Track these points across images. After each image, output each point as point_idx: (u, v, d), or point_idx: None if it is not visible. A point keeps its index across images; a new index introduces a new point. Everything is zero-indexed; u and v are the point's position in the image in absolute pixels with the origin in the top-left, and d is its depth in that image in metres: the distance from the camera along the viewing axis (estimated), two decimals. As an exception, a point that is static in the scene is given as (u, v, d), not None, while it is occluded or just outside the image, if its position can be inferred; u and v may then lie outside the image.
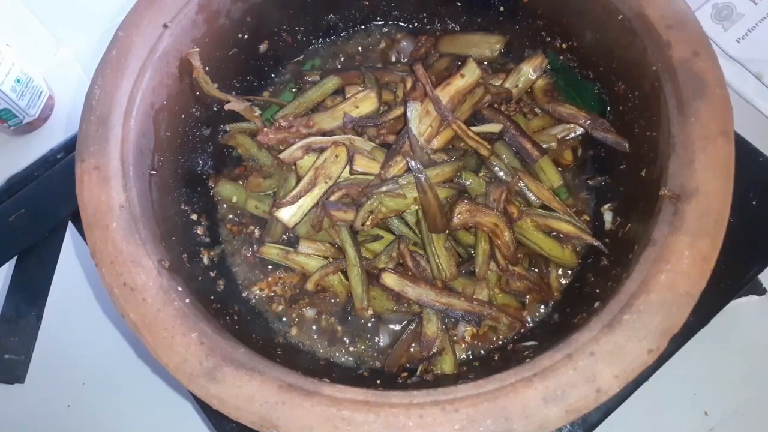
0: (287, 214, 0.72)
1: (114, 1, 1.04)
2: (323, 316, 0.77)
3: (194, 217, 0.76)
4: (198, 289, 0.64)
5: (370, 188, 0.70)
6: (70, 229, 0.94)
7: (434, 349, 0.71)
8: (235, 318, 0.69)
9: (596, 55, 0.76)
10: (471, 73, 0.75)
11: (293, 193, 0.72)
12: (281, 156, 0.73)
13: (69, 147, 0.94)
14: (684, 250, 0.54)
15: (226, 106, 0.76)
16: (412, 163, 0.69)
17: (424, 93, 0.74)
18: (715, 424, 0.83)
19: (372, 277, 0.73)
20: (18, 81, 0.92)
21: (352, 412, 0.50)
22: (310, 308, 0.77)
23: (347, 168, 0.72)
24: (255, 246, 0.79)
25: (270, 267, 0.79)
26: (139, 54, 0.66)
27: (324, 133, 0.75)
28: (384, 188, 0.69)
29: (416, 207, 0.71)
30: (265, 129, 0.75)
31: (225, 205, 0.82)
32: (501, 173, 0.77)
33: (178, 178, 0.73)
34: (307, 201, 0.72)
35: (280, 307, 0.78)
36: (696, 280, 0.53)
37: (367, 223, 0.71)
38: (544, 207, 0.76)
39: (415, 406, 0.51)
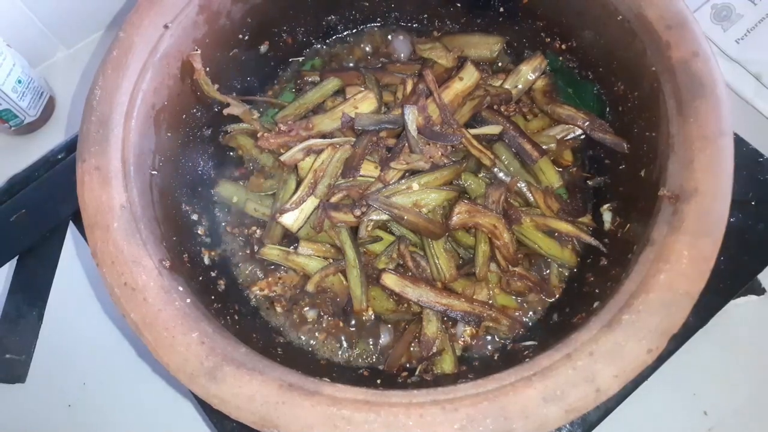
0: (290, 219, 0.72)
1: (114, 1, 1.04)
2: (323, 316, 0.77)
3: (195, 217, 0.76)
4: (199, 289, 0.64)
5: (371, 192, 0.71)
6: (71, 230, 0.95)
7: (434, 349, 0.72)
8: (236, 318, 0.69)
9: (595, 56, 0.76)
10: (469, 76, 0.76)
11: (295, 197, 0.72)
12: (282, 158, 0.74)
13: (70, 147, 0.94)
14: (683, 250, 0.54)
15: (225, 111, 0.76)
16: (371, 200, 0.69)
17: (426, 97, 0.74)
18: (715, 424, 0.83)
19: (372, 277, 0.74)
20: (19, 82, 0.93)
21: (352, 412, 0.51)
22: (310, 308, 0.77)
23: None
24: (255, 246, 0.79)
25: (270, 267, 0.79)
26: (140, 54, 0.66)
27: (324, 135, 0.76)
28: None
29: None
30: (265, 134, 0.75)
31: (225, 206, 0.82)
32: (501, 174, 0.77)
33: (178, 179, 0.73)
34: (309, 204, 0.72)
35: (281, 307, 0.78)
36: (695, 280, 0.54)
37: (369, 228, 0.72)
38: (543, 207, 0.76)
39: (415, 406, 0.51)
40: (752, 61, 0.96)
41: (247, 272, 0.80)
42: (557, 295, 0.76)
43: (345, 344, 0.76)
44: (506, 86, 0.81)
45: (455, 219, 0.69)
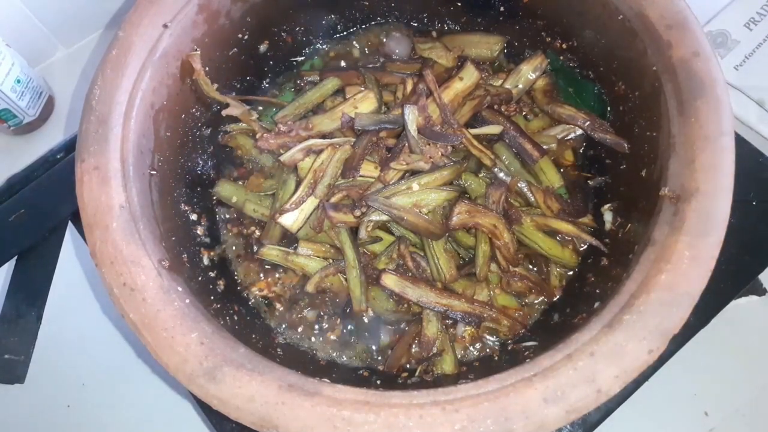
0: (290, 220, 0.72)
1: (114, 1, 1.04)
2: (323, 317, 0.77)
3: (194, 217, 0.75)
4: (198, 290, 0.64)
5: (371, 192, 0.71)
6: (70, 229, 0.94)
7: (434, 350, 0.71)
8: (235, 318, 0.69)
9: (596, 55, 0.76)
10: (470, 76, 0.75)
11: (295, 198, 0.72)
12: (282, 158, 0.73)
13: (69, 147, 0.94)
14: (684, 250, 0.54)
15: (224, 112, 0.76)
16: (371, 200, 0.69)
17: (427, 97, 0.74)
18: (715, 424, 0.83)
19: (372, 278, 0.73)
20: (18, 81, 0.92)
21: (352, 413, 0.50)
22: (310, 308, 0.77)
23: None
24: (255, 246, 0.79)
25: (270, 267, 0.79)
26: (139, 54, 0.66)
27: (324, 135, 0.75)
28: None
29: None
30: (265, 134, 0.75)
31: (225, 206, 0.82)
32: (501, 174, 0.77)
33: (178, 178, 0.73)
34: (308, 205, 0.72)
35: (280, 308, 0.78)
36: (696, 280, 0.53)
37: (369, 228, 0.72)
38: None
39: (415, 407, 0.51)
40: (753, 87, 0.95)
41: (246, 272, 0.79)
42: (558, 296, 0.76)
43: (345, 344, 0.76)
44: (506, 86, 0.81)
45: (455, 219, 0.69)
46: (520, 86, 0.81)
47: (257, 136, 0.76)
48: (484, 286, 0.74)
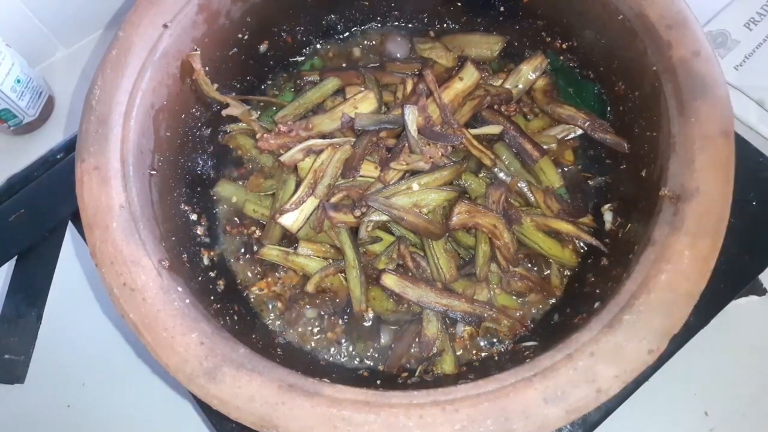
0: (290, 220, 0.72)
1: (114, 1, 1.04)
2: (323, 317, 0.77)
3: (194, 217, 0.75)
4: (198, 289, 0.64)
5: (371, 192, 0.71)
6: (70, 229, 0.94)
7: (434, 350, 0.71)
8: (235, 318, 0.69)
9: (596, 55, 0.76)
10: (470, 76, 0.75)
11: (295, 198, 0.72)
12: (282, 159, 0.73)
13: (69, 147, 0.94)
14: (684, 250, 0.54)
15: (224, 112, 0.76)
16: (371, 200, 0.69)
17: (427, 97, 0.74)
18: (715, 424, 0.83)
19: (372, 278, 0.73)
20: (18, 81, 0.92)
21: (352, 413, 0.50)
22: (310, 308, 0.77)
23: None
24: (255, 246, 0.79)
25: (270, 267, 0.79)
26: (139, 54, 0.66)
27: (324, 136, 0.75)
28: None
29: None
30: (265, 135, 0.75)
31: (225, 206, 0.82)
32: (501, 174, 0.77)
33: (178, 178, 0.73)
34: (308, 205, 0.72)
35: (281, 307, 0.78)
36: (696, 280, 0.53)
37: (369, 228, 0.71)
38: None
39: (415, 407, 0.51)
40: (753, 87, 0.95)
41: (246, 272, 0.79)
42: (558, 296, 0.76)
43: (345, 345, 0.76)
44: (506, 86, 0.81)
45: (455, 219, 0.69)
46: (520, 86, 0.81)
47: (257, 136, 0.76)
48: (484, 286, 0.74)
